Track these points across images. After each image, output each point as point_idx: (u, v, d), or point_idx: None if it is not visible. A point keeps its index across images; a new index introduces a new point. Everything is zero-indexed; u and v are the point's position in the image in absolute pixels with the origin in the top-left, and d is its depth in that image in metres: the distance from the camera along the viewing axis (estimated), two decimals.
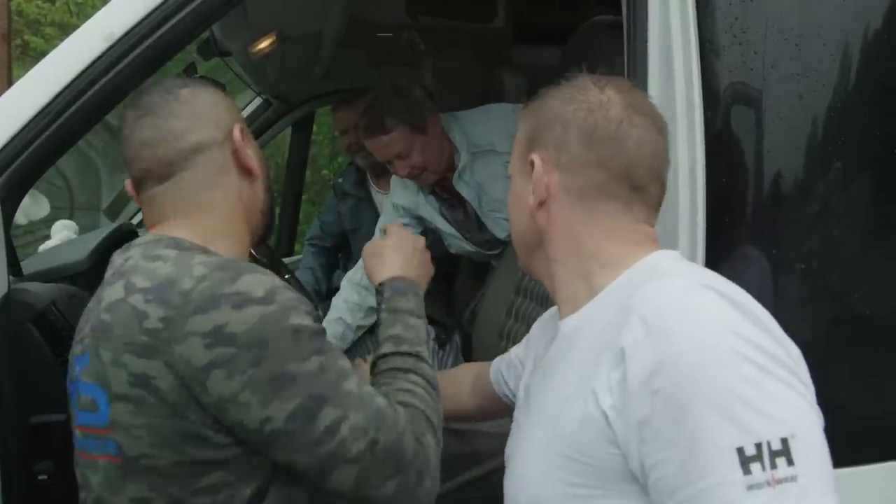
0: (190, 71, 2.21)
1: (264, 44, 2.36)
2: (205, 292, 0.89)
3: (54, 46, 1.22)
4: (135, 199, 1.06)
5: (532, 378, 1.01)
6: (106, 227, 1.94)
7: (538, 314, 1.74)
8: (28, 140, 1.15)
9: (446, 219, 2.22)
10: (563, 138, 0.91)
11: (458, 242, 2.25)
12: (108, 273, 0.99)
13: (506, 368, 1.29)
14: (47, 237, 2.18)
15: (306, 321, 0.92)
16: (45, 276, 1.43)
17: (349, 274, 2.29)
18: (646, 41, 1.15)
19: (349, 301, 2.22)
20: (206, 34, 2.24)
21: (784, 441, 0.71)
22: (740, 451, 0.71)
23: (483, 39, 2.77)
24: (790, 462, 0.71)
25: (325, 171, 7.01)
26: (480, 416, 1.41)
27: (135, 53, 1.17)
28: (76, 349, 0.98)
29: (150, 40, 1.17)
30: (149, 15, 1.16)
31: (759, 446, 0.71)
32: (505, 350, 1.89)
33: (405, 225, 2.23)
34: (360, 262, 2.29)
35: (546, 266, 0.96)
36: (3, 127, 1.15)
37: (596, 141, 0.90)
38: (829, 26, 1.10)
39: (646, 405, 0.75)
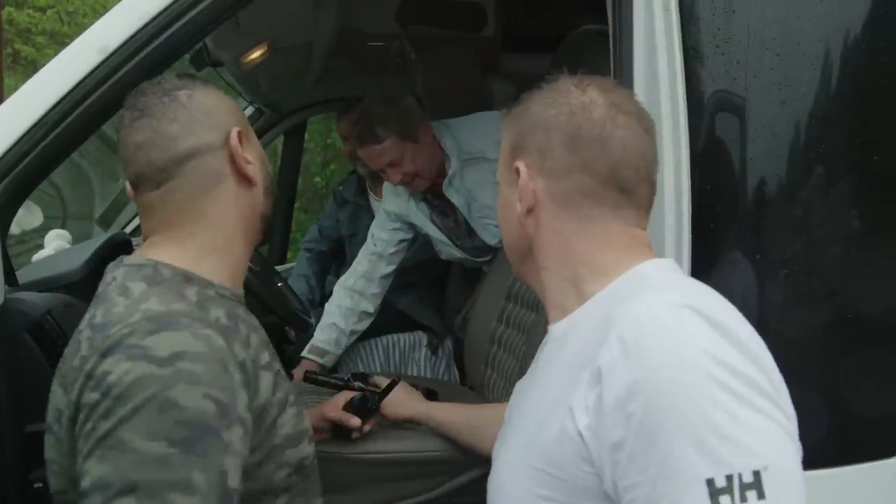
0: None
1: (256, 54, 2.37)
2: (118, 338, 0.86)
3: (45, 55, 1.23)
4: (133, 200, 1.05)
5: (524, 381, 1.01)
6: (100, 237, 1.95)
7: (529, 320, 1.77)
8: (24, 151, 1.16)
9: (437, 225, 2.23)
10: (546, 143, 0.90)
11: (448, 249, 2.27)
12: (100, 288, 0.98)
13: None
14: (40, 247, 2.18)
15: (193, 403, 0.83)
16: (41, 285, 1.44)
17: (342, 279, 2.31)
18: (631, 51, 1.17)
19: (342, 306, 2.24)
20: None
21: (756, 473, 0.70)
22: (710, 482, 0.69)
23: (473, 48, 2.80)
24: (761, 495, 0.69)
25: (317, 179, 7.00)
26: None
27: (129, 66, 1.18)
28: None
29: (143, 53, 1.18)
30: (142, 28, 1.17)
31: (729, 478, 0.69)
32: (496, 356, 1.91)
33: (397, 228, 2.25)
34: (352, 266, 2.31)
35: (536, 273, 0.94)
36: None
37: (580, 144, 0.88)
38: (808, 37, 1.12)
39: (620, 428, 0.74)
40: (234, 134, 1.01)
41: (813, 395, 1.17)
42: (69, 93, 1.17)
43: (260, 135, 3.16)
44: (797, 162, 1.15)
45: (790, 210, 1.16)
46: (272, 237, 1.15)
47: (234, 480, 0.86)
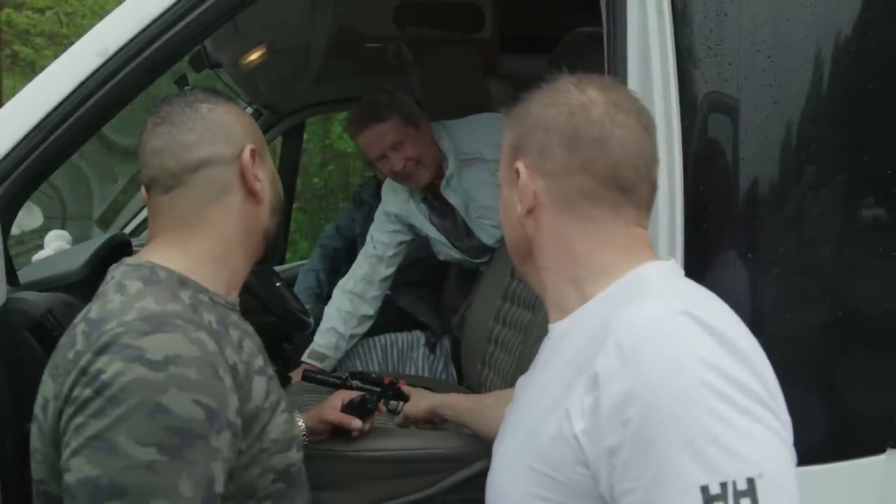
0: (181, 82, 2.24)
1: (254, 55, 2.38)
2: (113, 336, 0.87)
3: (44, 56, 1.25)
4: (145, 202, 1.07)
5: (524, 378, 1.01)
6: (99, 238, 1.95)
7: (525, 319, 1.78)
8: (26, 152, 1.18)
9: (436, 226, 2.25)
10: (546, 144, 0.89)
11: (446, 250, 2.28)
12: (100, 287, 1.00)
13: None
14: (40, 247, 2.18)
15: (183, 409, 0.85)
16: (41, 285, 1.45)
17: (341, 283, 2.31)
18: (625, 52, 1.18)
19: (342, 310, 2.24)
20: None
21: (750, 481, 0.70)
22: (704, 489, 0.70)
23: (471, 50, 2.81)
24: (755, 502, 0.70)
25: (315, 180, 7.01)
26: None
27: (129, 68, 1.20)
28: None
29: (143, 55, 1.20)
30: (142, 31, 1.19)
31: (724, 485, 0.70)
32: (493, 355, 1.93)
33: (396, 231, 2.26)
34: (352, 269, 2.32)
35: (537, 273, 0.94)
36: (1, 140, 1.18)
37: (579, 144, 0.88)
38: (799, 39, 1.14)
39: (616, 433, 0.74)
40: (247, 150, 1.04)
41: (804, 393, 1.18)
42: (70, 95, 1.19)
43: None
44: (788, 162, 1.16)
45: (782, 210, 1.18)
46: (274, 255, 1.16)
47: (219, 486, 0.88)
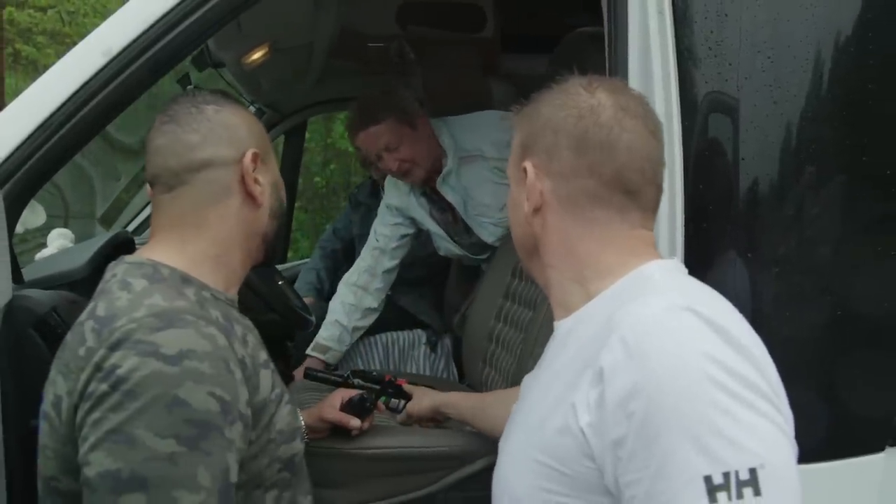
0: (184, 82, 2.25)
1: (257, 55, 2.39)
2: (125, 332, 0.88)
3: (46, 55, 1.26)
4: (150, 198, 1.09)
5: (529, 377, 1.02)
6: (103, 236, 1.96)
7: (526, 318, 1.79)
8: (30, 152, 1.19)
9: (436, 220, 2.25)
10: (554, 145, 0.91)
11: (446, 245, 2.28)
12: (100, 285, 1.01)
13: None
14: (43, 245, 2.19)
15: (199, 402, 0.87)
16: (46, 283, 1.46)
17: (346, 276, 2.32)
18: (626, 52, 1.19)
19: (345, 303, 2.25)
20: None
21: (752, 471, 0.72)
22: (707, 479, 0.71)
23: (473, 49, 2.81)
24: (757, 492, 0.71)
25: (317, 179, 7.02)
26: None
27: (133, 68, 1.20)
28: None
29: (147, 55, 1.20)
30: (146, 31, 1.20)
31: (726, 475, 0.71)
32: (494, 353, 1.93)
33: (399, 223, 2.27)
34: (356, 262, 2.33)
35: (543, 270, 0.96)
36: (6, 139, 1.19)
37: (586, 148, 0.89)
38: (799, 40, 1.14)
39: (621, 426, 0.76)
40: (248, 154, 1.05)
41: (804, 392, 1.18)
42: (74, 94, 1.20)
43: None
44: (788, 162, 1.17)
45: (782, 210, 1.18)
46: (274, 258, 1.17)
47: (234, 475, 0.90)
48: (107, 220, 3.16)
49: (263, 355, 1.06)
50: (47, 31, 8.34)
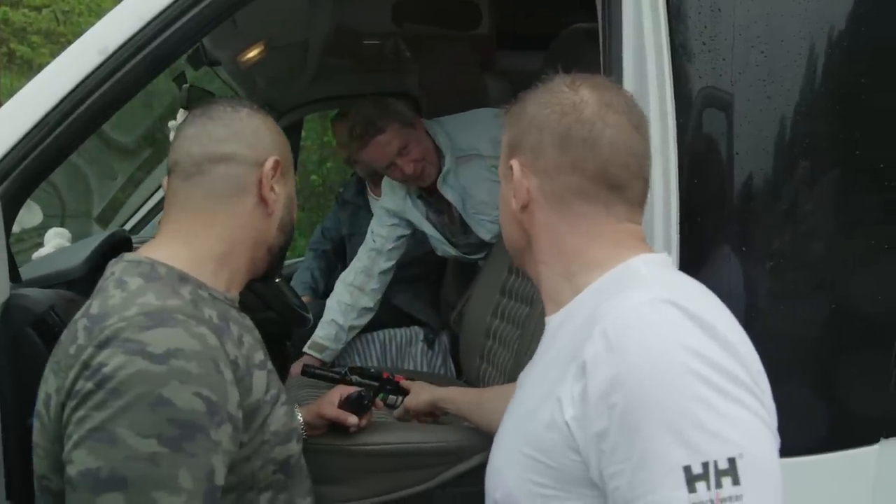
0: (180, 80, 2.25)
1: (253, 53, 2.39)
2: (115, 331, 0.88)
3: (40, 55, 1.26)
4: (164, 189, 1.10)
5: (524, 374, 1.03)
6: (100, 235, 1.96)
7: (523, 314, 1.80)
8: (27, 150, 1.19)
9: (432, 223, 2.26)
10: (539, 143, 0.92)
11: (443, 247, 2.30)
12: (99, 283, 1.01)
13: None
14: (40, 245, 2.19)
15: (185, 402, 0.86)
16: (43, 282, 1.46)
17: (342, 275, 2.33)
18: (620, 48, 1.19)
19: (342, 302, 2.26)
20: None
21: (731, 461, 0.73)
22: (687, 469, 0.73)
23: (468, 46, 2.81)
24: (736, 481, 0.72)
25: (313, 177, 7.01)
26: None
27: (129, 66, 1.21)
28: None
29: (143, 53, 1.21)
30: (142, 29, 1.20)
31: (705, 465, 0.72)
32: (491, 349, 1.94)
33: (394, 224, 2.28)
34: (352, 263, 2.34)
35: (534, 266, 0.97)
36: (2, 138, 1.19)
37: (570, 144, 0.90)
38: (792, 34, 1.14)
39: (604, 419, 0.77)
40: (271, 160, 1.07)
41: (800, 386, 1.19)
42: (70, 93, 1.20)
43: None
44: (782, 156, 1.17)
45: (776, 204, 1.19)
46: (275, 274, 1.18)
47: (219, 478, 0.90)
48: (103, 220, 3.16)
49: (260, 356, 1.06)
50: (42, 31, 8.31)
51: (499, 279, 1.96)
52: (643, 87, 1.17)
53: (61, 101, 1.19)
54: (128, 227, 2.92)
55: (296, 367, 2.10)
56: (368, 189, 2.92)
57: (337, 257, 3.07)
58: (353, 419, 1.44)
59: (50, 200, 2.92)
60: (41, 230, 2.19)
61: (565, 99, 0.92)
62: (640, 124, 0.94)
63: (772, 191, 1.19)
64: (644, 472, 0.74)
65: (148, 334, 0.88)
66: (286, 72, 2.85)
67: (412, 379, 1.67)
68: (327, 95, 3.19)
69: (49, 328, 1.26)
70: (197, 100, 2.23)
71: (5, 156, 1.18)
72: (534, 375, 0.96)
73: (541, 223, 0.94)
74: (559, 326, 0.92)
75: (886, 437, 1.20)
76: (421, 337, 2.48)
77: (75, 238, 2.24)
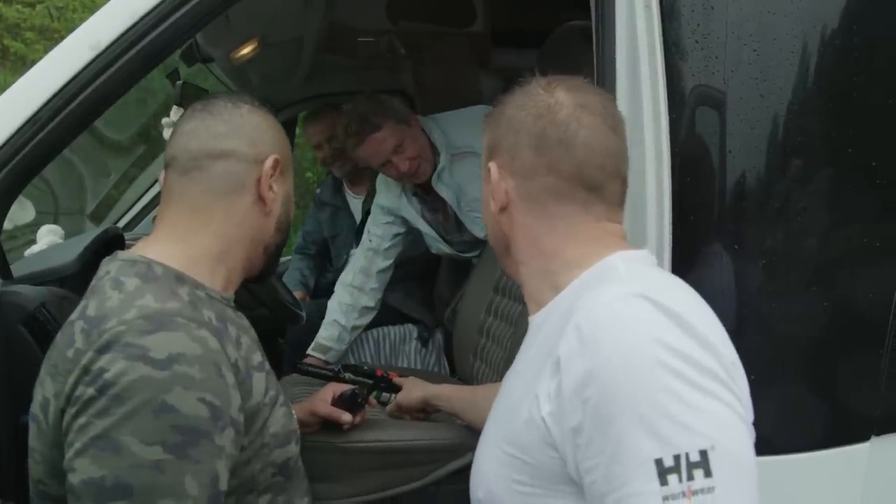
0: (173, 77, 2.24)
1: (246, 50, 2.38)
2: (114, 335, 0.87)
3: (34, 51, 1.25)
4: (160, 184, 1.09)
5: (509, 372, 1.03)
6: (92, 231, 1.96)
7: (516, 311, 1.80)
8: (18, 147, 1.18)
9: (427, 221, 2.26)
10: (515, 145, 0.94)
11: (437, 244, 2.30)
12: (93, 282, 1.00)
13: None
14: (32, 242, 2.19)
15: (189, 408, 0.85)
16: (35, 279, 1.45)
17: (342, 276, 2.34)
18: (613, 46, 1.19)
19: (343, 303, 2.27)
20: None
21: (703, 453, 0.73)
22: (658, 462, 0.73)
23: (463, 43, 2.81)
24: (707, 473, 0.73)
25: (308, 174, 7.00)
26: None
27: (121, 62, 1.20)
28: None
29: (136, 49, 1.20)
30: (135, 24, 1.19)
31: (677, 458, 0.73)
32: (484, 346, 1.94)
33: (389, 223, 2.27)
34: (351, 262, 2.34)
35: (515, 267, 0.99)
36: None
37: (545, 145, 0.92)
38: (785, 32, 1.14)
39: (578, 413, 0.77)
40: (271, 158, 1.06)
41: (792, 382, 1.20)
42: (62, 89, 1.19)
43: None
44: (775, 155, 1.18)
45: (768, 202, 1.19)
46: (271, 274, 1.18)
47: (223, 483, 0.89)
48: (97, 217, 3.15)
49: (258, 357, 1.05)
50: (36, 27, 8.27)
51: (492, 277, 1.96)
52: (636, 86, 1.17)
53: (52, 98, 1.19)
54: (121, 224, 2.92)
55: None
56: (346, 188, 2.92)
57: (322, 258, 3.07)
58: (346, 416, 1.44)
59: (43, 197, 2.91)
60: (34, 227, 2.18)
61: (541, 101, 0.93)
62: (615, 125, 0.94)
63: (764, 189, 1.19)
64: (617, 466, 0.75)
65: (149, 339, 0.87)
66: (280, 69, 2.84)
67: (405, 376, 1.67)
68: (322, 93, 3.18)
69: (40, 325, 1.26)
70: (191, 97, 2.23)
71: None
72: (515, 374, 0.97)
73: (519, 224, 0.95)
74: (540, 325, 0.93)
75: (878, 434, 1.21)
76: (415, 335, 2.48)
77: (68, 235, 2.24)
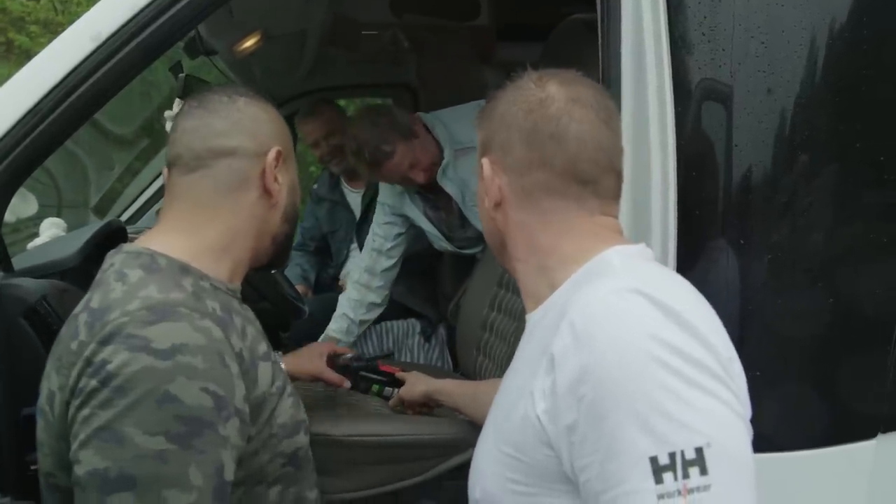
0: (176, 69, 2.24)
1: (249, 42, 2.38)
2: (117, 326, 0.86)
3: (39, 44, 1.24)
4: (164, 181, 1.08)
5: (509, 369, 1.03)
6: (95, 224, 1.96)
7: (520, 306, 1.79)
8: (18, 138, 1.17)
9: (430, 219, 2.26)
10: (507, 140, 0.93)
11: (439, 242, 2.30)
12: (98, 275, 1.00)
13: None
14: (35, 235, 2.19)
15: (192, 398, 0.84)
16: (36, 272, 1.45)
17: (351, 273, 2.40)
18: (619, 39, 1.18)
19: (351, 298, 2.30)
20: (191, 32, 2.26)
21: (699, 450, 0.72)
22: (653, 460, 0.72)
23: (467, 37, 2.80)
24: (703, 471, 0.71)
25: (312, 168, 6.99)
26: None
27: (122, 53, 1.19)
28: None
29: (137, 40, 1.19)
30: (136, 16, 1.18)
31: (672, 455, 0.72)
32: (488, 341, 1.93)
33: (390, 223, 2.28)
34: (358, 260, 2.36)
35: (511, 264, 0.98)
36: None
37: (536, 140, 0.90)
38: (793, 25, 1.13)
39: (573, 411, 0.76)
40: (273, 150, 1.05)
41: (797, 379, 1.19)
42: (63, 80, 1.18)
43: None
44: (781, 149, 1.16)
45: (775, 197, 1.18)
46: (281, 262, 1.17)
47: (229, 473, 0.88)
48: (100, 210, 3.15)
49: (263, 347, 1.04)
50: (40, 21, 8.27)
51: (496, 271, 1.96)
52: (642, 79, 1.16)
53: (54, 89, 1.18)
54: (124, 217, 2.92)
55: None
56: (343, 183, 2.92)
57: (322, 254, 3.07)
58: (347, 384, 1.45)
59: (46, 190, 2.91)
60: (37, 220, 2.18)
61: (532, 96, 0.92)
62: (609, 118, 0.93)
63: (771, 183, 1.17)
64: (612, 464, 0.74)
65: (151, 329, 0.86)
66: (284, 62, 2.84)
67: (408, 370, 1.66)
68: (326, 86, 3.18)
69: (41, 318, 1.26)
70: (193, 89, 2.22)
71: None
72: (513, 372, 0.96)
73: (514, 220, 0.94)
74: (537, 323, 0.92)
75: (884, 431, 1.20)
76: (418, 329, 2.48)
77: (71, 228, 2.24)
